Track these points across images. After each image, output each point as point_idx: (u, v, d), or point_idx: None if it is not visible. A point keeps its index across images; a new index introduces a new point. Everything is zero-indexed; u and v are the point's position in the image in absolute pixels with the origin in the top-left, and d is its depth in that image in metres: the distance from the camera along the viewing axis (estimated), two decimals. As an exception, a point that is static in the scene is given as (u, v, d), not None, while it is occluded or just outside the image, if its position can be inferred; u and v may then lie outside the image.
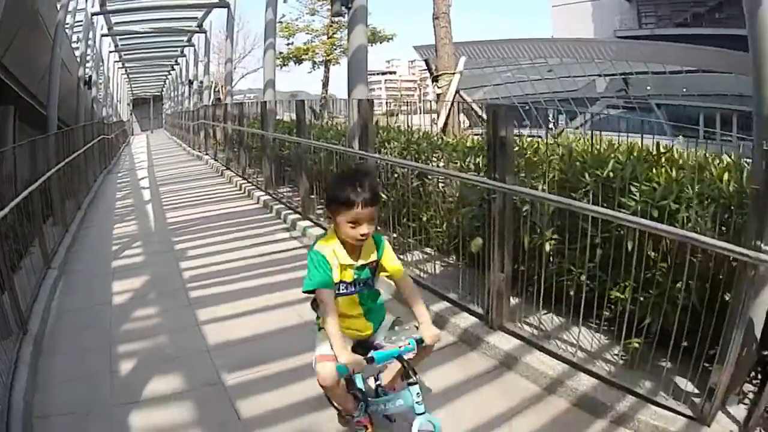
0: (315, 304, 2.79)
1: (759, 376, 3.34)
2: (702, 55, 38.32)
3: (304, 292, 2.66)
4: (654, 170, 3.55)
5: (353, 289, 2.74)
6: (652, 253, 3.31)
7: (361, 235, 2.57)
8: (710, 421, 2.99)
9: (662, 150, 3.83)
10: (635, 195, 3.41)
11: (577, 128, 10.67)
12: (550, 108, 32.90)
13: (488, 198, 4.04)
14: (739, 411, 3.08)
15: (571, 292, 3.68)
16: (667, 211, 3.31)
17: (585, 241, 3.52)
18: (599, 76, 43.73)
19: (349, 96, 7.22)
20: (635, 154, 3.86)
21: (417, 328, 2.72)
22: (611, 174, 3.66)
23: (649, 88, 39.93)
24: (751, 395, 3.16)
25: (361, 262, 2.71)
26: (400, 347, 2.60)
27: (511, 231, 3.99)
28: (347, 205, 2.51)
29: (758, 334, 3.00)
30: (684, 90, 39.80)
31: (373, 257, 2.75)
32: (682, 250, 3.12)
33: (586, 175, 3.78)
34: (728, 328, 2.89)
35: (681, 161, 3.66)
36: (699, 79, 39.40)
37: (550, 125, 6.87)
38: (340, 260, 2.65)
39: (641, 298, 3.32)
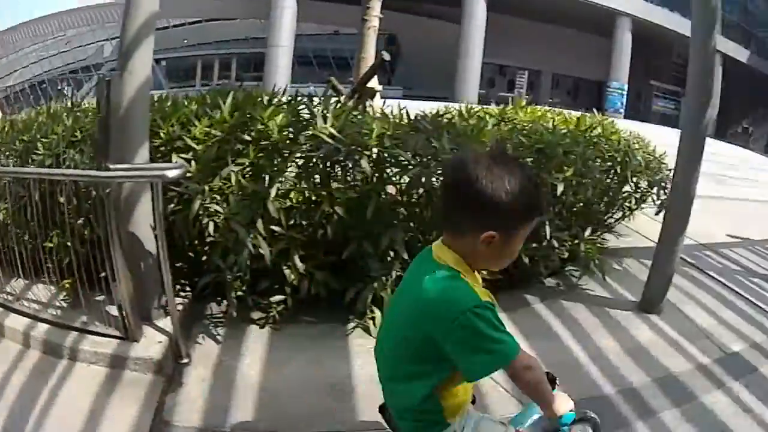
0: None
1: (189, 289, 3.82)
2: (214, 4, 41.17)
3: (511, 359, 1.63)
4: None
5: None
6: (61, 198, 3.56)
7: None
8: (137, 336, 3.39)
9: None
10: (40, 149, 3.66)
11: (84, 97, 10.96)
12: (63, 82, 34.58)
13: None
14: (167, 323, 3.53)
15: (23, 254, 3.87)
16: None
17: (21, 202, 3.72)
18: (107, 41, 45.09)
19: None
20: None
21: None
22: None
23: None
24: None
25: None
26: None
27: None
28: (540, 210, 1.70)
29: (150, 249, 3.41)
30: (185, 41, 43.62)
31: None
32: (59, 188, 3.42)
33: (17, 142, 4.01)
34: (107, 249, 3.25)
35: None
36: (202, 30, 43.39)
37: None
38: None
39: (68, 243, 3.58)
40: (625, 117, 37.04)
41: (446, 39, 35.64)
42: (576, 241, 4.80)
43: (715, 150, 19.60)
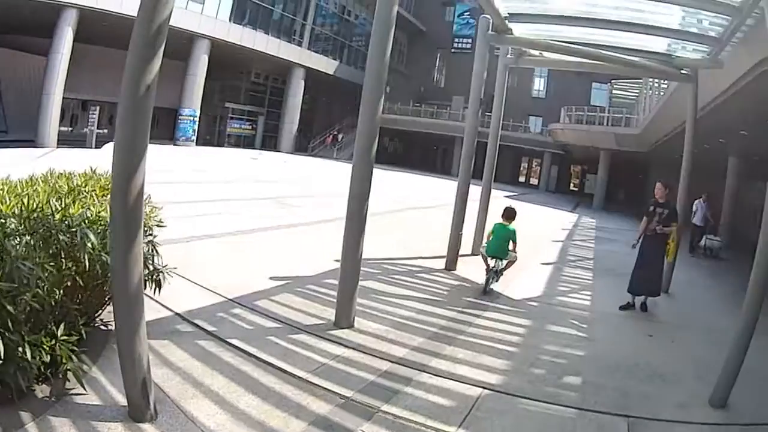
0: None
1: None
2: None
3: None
4: None
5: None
6: None
7: None
8: None
9: None
10: None
11: None
12: None
13: None
14: None
15: None
16: None
17: None
18: None
19: None
20: None
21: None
22: None
23: None
24: None
25: None
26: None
27: None
28: None
29: None
30: None
31: None
32: None
33: None
34: None
35: None
36: None
37: None
38: None
39: None
40: (200, 143, 39.37)
41: (38, 74, 32.43)
42: (53, 342, 4.00)
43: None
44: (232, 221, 12.19)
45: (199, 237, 10.07)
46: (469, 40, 57.62)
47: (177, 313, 6.21)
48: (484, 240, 10.00)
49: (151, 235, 5.79)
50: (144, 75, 3.77)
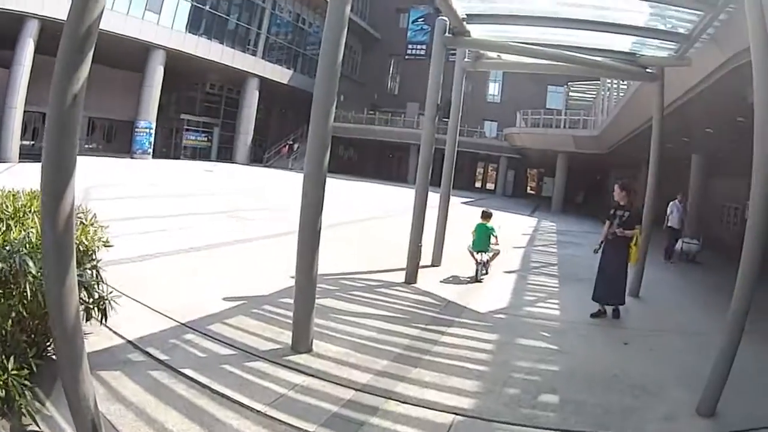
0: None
1: None
2: None
3: None
4: None
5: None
6: None
7: None
8: None
9: None
10: None
11: None
12: None
13: None
14: None
15: None
16: None
17: None
18: None
19: None
20: None
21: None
22: None
23: None
24: None
25: None
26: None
27: None
28: None
29: None
30: None
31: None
32: None
33: None
34: None
35: None
36: None
37: None
38: None
39: None
40: (157, 156, 39.46)
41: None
42: (6, 376, 3.78)
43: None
44: (185, 237, 11.80)
45: (151, 255, 9.75)
46: (424, 46, 58.15)
47: (129, 341, 5.85)
48: (470, 242, 11.54)
49: (93, 259, 5.46)
50: (72, 83, 3.40)
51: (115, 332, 5.90)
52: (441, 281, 10.66)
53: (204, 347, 6.02)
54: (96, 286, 5.21)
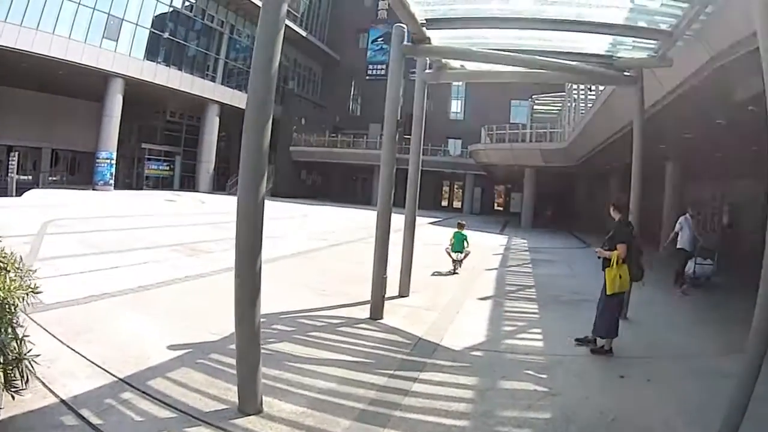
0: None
1: None
2: None
3: None
4: None
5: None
6: None
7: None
8: None
9: None
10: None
11: None
12: None
13: None
14: None
15: None
16: None
17: None
18: None
19: None
20: None
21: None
22: None
23: None
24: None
25: None
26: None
27: None
28: None
29: None
30: None
31: None
32: None
33: None
34: None
35: None
36: None
37: None
38: None
39: None
40: (120, 187, 39.46)
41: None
42: None
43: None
44: (135, 275, 11.02)
45: (98, 296, 9.03)
46: (384, 66, 58.26)
47: (63, 400, 5.16)
48: (447, 244, 15.47)
49: (11, 312, 4.73)
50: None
51: (49, 389, 5.28)
52: (409, 315, 9.71)
53: (141, 409, 5.21)
54: (14, 345, 4.64)
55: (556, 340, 8.59)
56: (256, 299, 5.19)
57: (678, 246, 14.00)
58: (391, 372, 6.64)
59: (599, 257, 7.97)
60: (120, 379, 5.77)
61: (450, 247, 15.25)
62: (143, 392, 5.52)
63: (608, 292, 7.84)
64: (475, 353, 7.75)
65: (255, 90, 5.28)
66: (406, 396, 5.92)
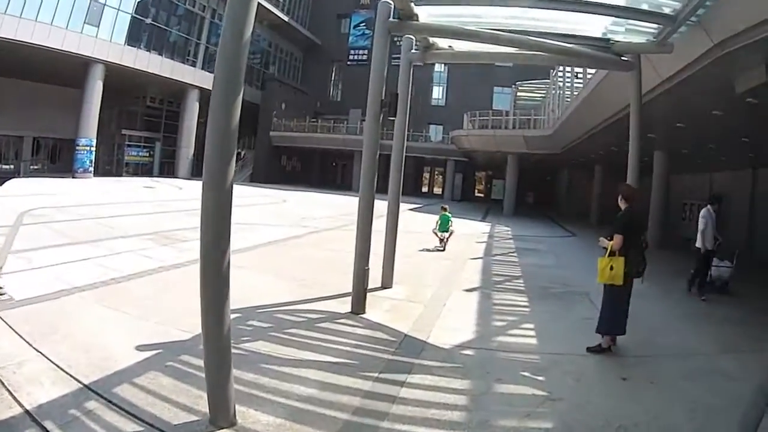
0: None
1: None
2: None
3: None
4: None
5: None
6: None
7: None
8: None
9: None
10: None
11: None
12: None
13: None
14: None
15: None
16: None
17: None
18: None
19: None
20: None
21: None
22: None
23: None
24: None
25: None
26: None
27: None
28: None
29: None
30: None
31: None
32: None
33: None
34: None
35: None
36: None
37: None
38: None
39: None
40: (100, 173, 39.26)
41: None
42: None
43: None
44: (108, 266, 10.47)
45: (68, 291, 8.51)
46: (365, 51, 58.16)
47: (27, 410, 4.76)
48: (435, 225, 17.73)
49: None
50: None
51: (14, 397, 4.92)
52: (393, 308, 9.14)
53: (106, 421, 4.72)
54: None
55: (550, 337, 8.09)
56: (225, 299, 4.60)
57: (698, 244, 11.71)
58: (376, 375, 6.08)
59: (602, 246, 7.45)
60: (85, 386, 5.31)
61: (437, 227, 17.48)
62: (109, 401, 5.03)
63: (598, 280, 7.38)
64: (465, 352, 7.19)
65: (223, 67, 4.70)
66: (394, 403, 5.37)
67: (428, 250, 16.23)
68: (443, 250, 16.47)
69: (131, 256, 11.70)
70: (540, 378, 6.38)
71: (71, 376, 5.51)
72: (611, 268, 7.16)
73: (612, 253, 7.21)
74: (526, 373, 6.49)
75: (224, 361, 4.67)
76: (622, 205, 7.56)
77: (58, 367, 5.70)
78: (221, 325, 4.58)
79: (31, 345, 6.10)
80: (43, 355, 5.93)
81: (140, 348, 6.35)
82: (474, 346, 7.45)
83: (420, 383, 5.95)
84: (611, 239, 7.23)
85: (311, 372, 6.01)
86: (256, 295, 8.90)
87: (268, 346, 6.75)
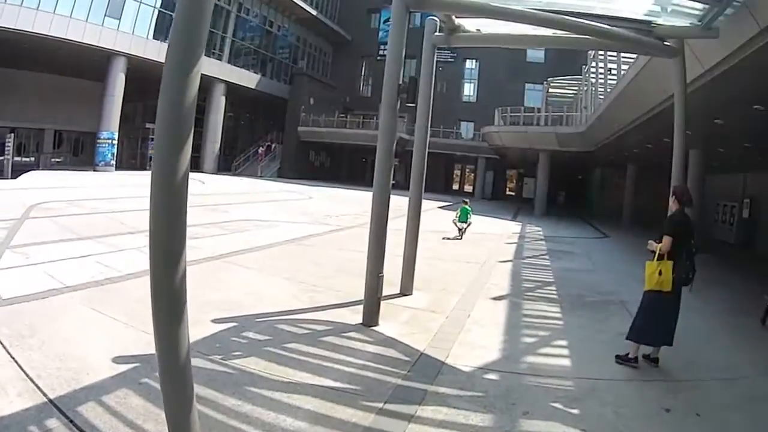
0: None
1: None
2: None
3: None
4: None
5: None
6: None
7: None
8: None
9: None
10: None
11: None
12: None
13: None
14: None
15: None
16: None
17: None
18: None
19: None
20: None
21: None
22: None
23: None
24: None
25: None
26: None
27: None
28: None
29: None
30: None
31: None
32: None
33: None
34: None
35: None
36: None
37: None
38: None
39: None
40: (124, 167, 39.04)
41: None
42: None
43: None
44: (107, 264, 9.94)
45: (58, 290, 8.03)
46: None
47: None
48: (455, 216, 19.66)
49: None
50: None
51: None
52: (411, 320, 8.16)
53: None
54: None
55: (585, 357, 7.09)
56: (180, 316, 3.68)
57: None
58: (381, 405, 5.09)
59: (650, 250, 6.52)
60: (50, 401, 4.74)
61: (456, 218, 19.69)
62: (71, 420, 4.43)
63: (645, 287, 6.59)
64: (489, 376, 6.18)
65: (177, 28, 3.78)
66: (400, 445, 4.41)
67: (448, 239, 18.32)
68: (461, 238, 18.75)
69: (134, 253, 10.93)
70: (574, 411, 5.36)
71: (38, 387, 4.97)
72: (660, 273, 6.37)
73: (660, 257, 6.40)
74: (557, 405, 5.48)
75: (183, 394, 3.76)
76: (674, 206, 6.60)
77: (27, 376, 5.19)
78: (177, 350, 3.68)
79: (5, 348, 5.66)
80: (15, 361, 5.45)
81: (117, 360, 5.64)
82: (499, 369, 6.43)
83: (432, 418, 4.97)
84: (660, 242, 6.34)
85: (305, 399, 5.08)
86: (258, 301, 8.09)
87: (260, 363, 5.86)
